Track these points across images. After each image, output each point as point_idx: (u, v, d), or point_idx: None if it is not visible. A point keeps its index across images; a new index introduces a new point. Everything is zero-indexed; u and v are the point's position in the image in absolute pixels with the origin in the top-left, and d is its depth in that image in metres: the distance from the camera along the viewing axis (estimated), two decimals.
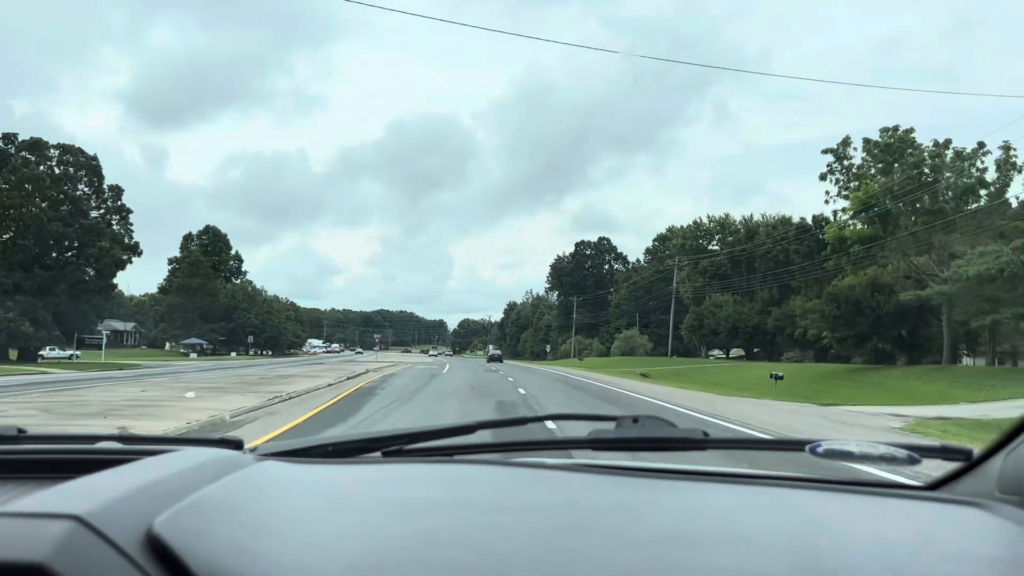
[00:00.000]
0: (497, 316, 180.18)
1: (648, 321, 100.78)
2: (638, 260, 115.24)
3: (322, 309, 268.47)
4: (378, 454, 1.18)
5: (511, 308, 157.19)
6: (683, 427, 1.15)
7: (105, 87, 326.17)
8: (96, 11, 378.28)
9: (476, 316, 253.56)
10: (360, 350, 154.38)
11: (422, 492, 0.91)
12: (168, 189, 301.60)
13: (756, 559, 0.69)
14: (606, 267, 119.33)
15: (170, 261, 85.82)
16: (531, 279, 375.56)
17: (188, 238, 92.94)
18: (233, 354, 78.69)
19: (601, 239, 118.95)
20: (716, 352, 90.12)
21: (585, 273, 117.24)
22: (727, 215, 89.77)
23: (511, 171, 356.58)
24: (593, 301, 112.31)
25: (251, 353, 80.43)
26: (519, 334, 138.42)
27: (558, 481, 0.98)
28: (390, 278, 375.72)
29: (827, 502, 0.94)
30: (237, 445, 1.14)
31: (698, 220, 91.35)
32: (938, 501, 0.96)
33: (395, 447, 1.19)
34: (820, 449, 1.02)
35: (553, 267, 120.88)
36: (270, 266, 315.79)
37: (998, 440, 1.05)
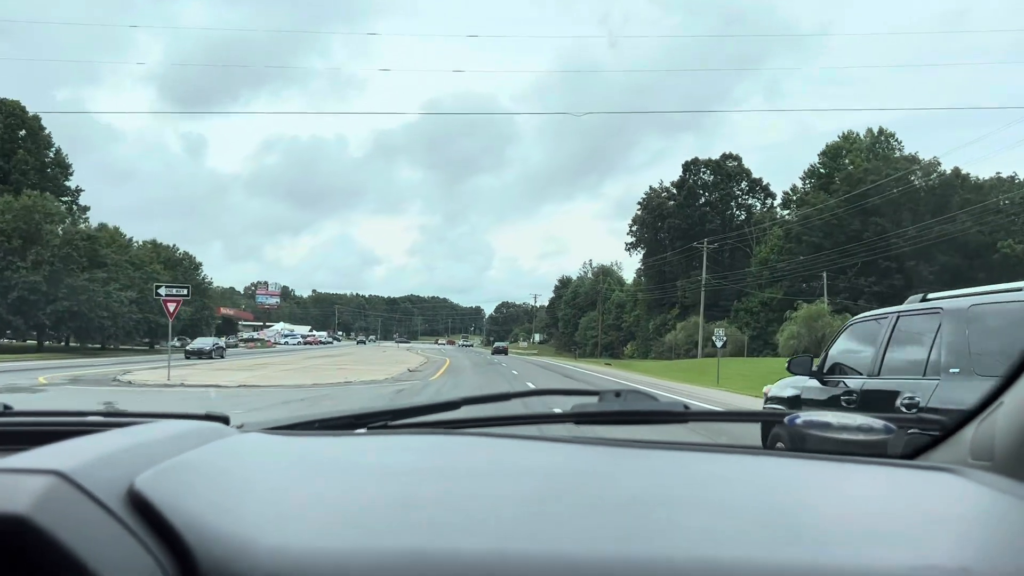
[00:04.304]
0: (542, 301, 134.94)
1: (838, 287, 54.41)
2: (794, 188, 68.03)
3: (345, 294, 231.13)
4: (363, 429, 1.19)
5: (563, 284, 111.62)
6: (665, 400, 1.17)
7: (140, 71, 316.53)
8: None
9: (518, 300, 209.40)
10: (331, 338, 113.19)
11: (403, 460, 0.93)
12: (206, 176, 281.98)
13: (732, 522, 0.70)
14: (732, 204, 72.03)
15: None
16: (570, 269, 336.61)
17: None
18: None
19: (726, 157, 71.77)
20: None
21: (700, 214, 70.27)
22: None
23: (551, 155, 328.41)
24: (713, 259, 66.02)
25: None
26: (577, 318, 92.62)
27: (538, 451, 1.00)
28: (428, 267, 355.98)
29: (804, 470, 0.95)
30: (224, 420, 1.16)
31: None
32: (913, 468, 0.98)
33: (380, 422, 1.21)
34: (799, 421, 1.03)
35: (644, 205, 73.85)
36: (310, 254, 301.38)
37: (971, 410, 1.09)
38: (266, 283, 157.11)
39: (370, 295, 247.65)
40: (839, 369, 5.49)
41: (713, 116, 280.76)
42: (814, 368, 5.62)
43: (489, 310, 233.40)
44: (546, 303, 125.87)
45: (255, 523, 0.63)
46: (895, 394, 4.37)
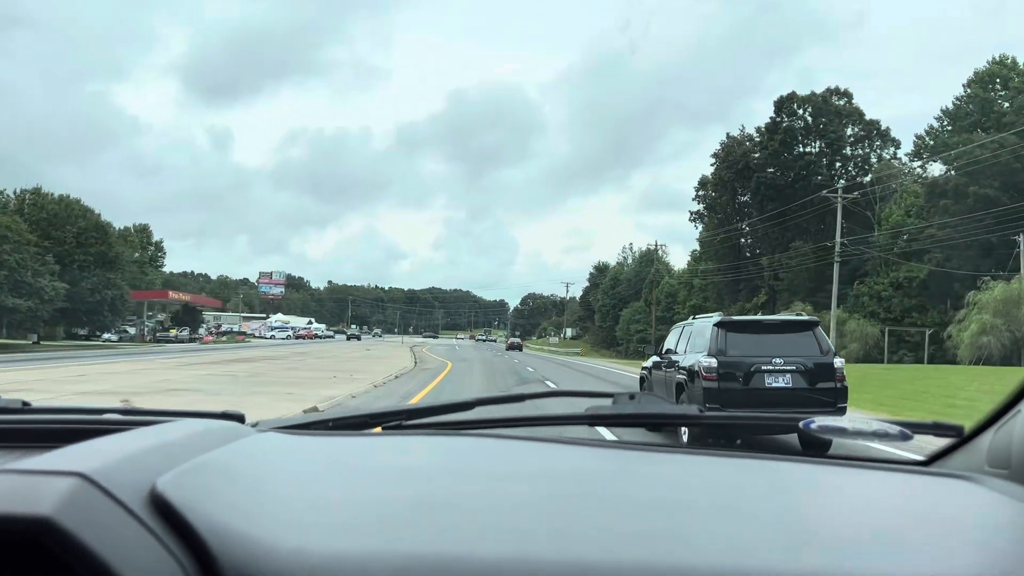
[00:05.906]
0: (574, 291, 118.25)
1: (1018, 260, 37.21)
2: (930, 130, 50.65)
3: (361, 286, 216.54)
4: (378, 429, 1.20)
5: (600, 271, 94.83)
6: (679, 405, 1.20)
7: (164, 63, 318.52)
8: None
9: (545, 292, 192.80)
10: (330, 332, 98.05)
11: (419, 461, 0.94)
12: (231, 170, 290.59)
13: (749, 528, 0.70)
14: (843, 154, 54.44)
15: None
16: (595, 263, 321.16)
17: None
18: None
19: (832, 92, 54.21)
20: None
21: (803, 164, 52.73)
22: None
23: (577, 147, 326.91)
24: (810, 229, 48.91)
25: None
26: (617, 310, 75.76)
27: (552, 453, 1.00)
28: (451, 261, 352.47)
29: (820, 475, 0.95)
30: (239, 419, 1.16)
31: None
32: (929, 475, 0.97)
33: (395, 422, 1.21)
34: (814, 425, 1.02)
35: (723, 159, 56.54)
36: (335, 248, 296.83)
37: (988, 417, 1.08)
38: (270, 273, 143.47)
39: (389, 287, 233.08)
40: (667, 351, 10.89)
41: (743, 107, 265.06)
42: (657, 350, 11.77)
43: (514, 303, 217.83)
44: (578, 294, 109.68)
45: (275, 525, 0.63)
46: (676, 362, 9.98)
